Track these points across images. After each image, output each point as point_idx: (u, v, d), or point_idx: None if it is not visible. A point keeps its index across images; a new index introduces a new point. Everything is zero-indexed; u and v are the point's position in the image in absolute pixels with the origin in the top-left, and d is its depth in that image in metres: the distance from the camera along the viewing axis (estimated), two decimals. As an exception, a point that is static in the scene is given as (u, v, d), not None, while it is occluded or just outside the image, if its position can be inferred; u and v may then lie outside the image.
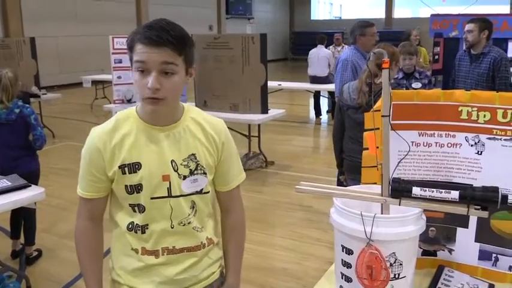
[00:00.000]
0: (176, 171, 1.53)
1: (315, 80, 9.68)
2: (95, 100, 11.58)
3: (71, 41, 15.88)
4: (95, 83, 11.48)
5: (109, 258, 1.68)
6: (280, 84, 9.99)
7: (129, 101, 6.89)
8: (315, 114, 10.45)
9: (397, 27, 22.90)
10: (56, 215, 4.91)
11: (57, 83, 14.79)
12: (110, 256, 1.68)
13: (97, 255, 1.65)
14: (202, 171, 1.57)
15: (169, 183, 1.52)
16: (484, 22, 4.41)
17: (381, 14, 25.82)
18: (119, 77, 6.87)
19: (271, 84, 8.90)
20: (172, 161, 1.53)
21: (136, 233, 1.56)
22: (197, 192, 1.57)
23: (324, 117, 10.41)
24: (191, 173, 1.55)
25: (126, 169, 1.50)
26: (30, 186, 3.12)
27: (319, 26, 26.28)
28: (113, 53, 6.80)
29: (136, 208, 1.54)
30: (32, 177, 3.46)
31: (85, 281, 1.64)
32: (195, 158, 1.55)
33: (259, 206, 5.15)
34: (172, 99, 1.47)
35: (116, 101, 6.96)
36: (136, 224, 1.55)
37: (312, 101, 10.86)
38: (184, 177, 1.54)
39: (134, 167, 1.50)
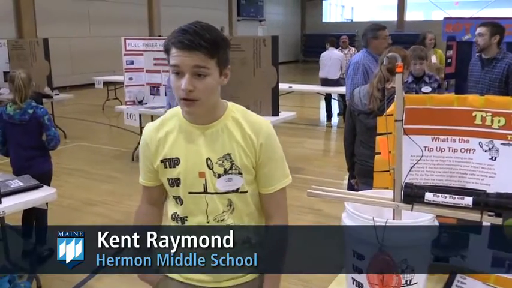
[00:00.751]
0: (211, 169, 1.58)
1: (325, 82, 9.66)
2: (106, 101, 11.63)
3: (83, 42, 16.00)
4: (106, 84, 11.54)
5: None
6: (291, 87, 9.98)
7: (141, 102, 6.92)
8: (327, 116, 10.45)
9: (409, 30, 22.78)
10: (67, 216, 4.94)
11: (70, 83, 14.88)
12: None
13: None
14: (238, 171, 1.59)
15: (205, 180, 1.59)
16: (495, 26, 4.35)
17: (392, 16, 25.68)
18: (131, 79, 6.90)
19: (282, 86, 8.88)
20: (208, 159, 1.58)
21: (177, 222, 1.66)
22: (233, 191, 1.61)
23: (335, 119, 10.39)
24: (226, 172, 1.59)
25: (167, 163, 1.62)
26: (42, 186, 3.14)
27: (331, 28, 26.22)
28: (125, 55, 6.84)
29: (178, 200, 1.64)
30: (44, 178, 3.49)
31: None
32: (230, 158, 1.58)
33: (269, 208, 5.13)
34: (206, 100, 1.52)
35: (128, 102, 6.99)
36: (178, 214, 1.66)
37: (322, 104, 10.84)
38: (219, 176, 1.59)
39: (174, 162, 1.61)
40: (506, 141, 1.53)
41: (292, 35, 27.66)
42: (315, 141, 8.87)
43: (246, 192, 1.62)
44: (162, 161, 1.62)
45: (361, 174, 3.20)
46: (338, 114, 10.53)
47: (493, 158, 1.56)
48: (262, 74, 6.18)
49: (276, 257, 1.70)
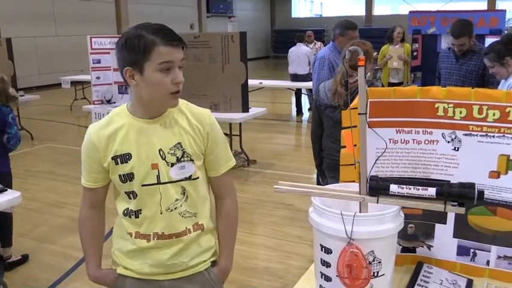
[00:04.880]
0: (164, 159, 1.64)
1: (295, 77, 9.71)
2: (74, 101, 11.43)
3: (49, 41, 15.67)
4: (74, 83, 11.34)
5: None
6: (261, 83, 9.99)
7: (109, 102, 6.81)
8: (296, 112, 10.50)
9: (377, 24, 23.04)
10: (35, 219, 4.83)
11: (36, 84, 14.59)
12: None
13: (97, 239, 1.82)
14: (189, 159, 1.67)
15: (158, 171, 1.64)
16: (469, 27, 4.28)
17: (361, 11, 25.95)
18: (98, 78, 6.79)
19: (253, 82, 8.88)
20: (160, 149, 1.64)
21: (130, 217, 1.69)
22: (186, 179, 1.68)
23: (306, 114, 10.44)
24: (178, 160, 1.66)
25: (119, 160, 1.65)
26: (6, 190, 3.05)
27: (300, 23, 26.34)
28: (91, 53, 6.72)
29: (131, 195, 1.67)
30: (3, 179, 3.40)
31: (86, 261, 1.82)
32: (181, 146, 1.66)
33: (241, 205, 5.07)
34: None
35: (95, 102, 6.88)
36: (131, 209, 1.69)
37: (293, 99, 10.89)
38: (172, 165, 1.65)
39: (125, 158, 1.64)
40: (468, 132, 1.55)
41: (262, 31, 27.69)
42: (286, 136, 8.91)
43: (198, 178, 1.71)
44: (113, 158, 1.65)
45: (330, 169, 3.22)
46: (308, 109, 10.60)
47: (456, 149, 1.58)
48: (231, 70, 6.16)
49: (229, 237, 1.86)
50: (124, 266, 1.75)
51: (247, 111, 6.33)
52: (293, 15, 29.28)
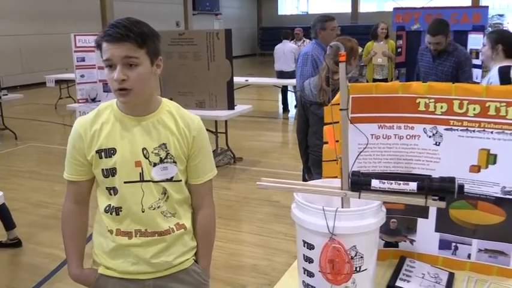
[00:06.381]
0: (147, 158, 1.64)
1: (281, 75, 9.72)
2: (59, 100, 11.32)
3: (33, 39, 15.49)
4: (58, 82, 11.22)
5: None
6: (247, 80, 9.98)
7: (93, 100, 6.75)
8: (283, 109, 10.52)
9: (363, 21, 23.13)
10: (19, 219, 4.75)
11: (20, 83, 14.42)
12: None
13: (78, 236, 1.78)
14: (172, 160, 1.66)
15: (142, 168, 1.64)
16: (445, 27, 4.33)
17: (347, 8, 26.03)
18: (82, 76, 6.72)
19: (239, 80, 8.87)
20: (143, 148, 1.64)
21: (111, 214, 1.67)
22: (168, 180, 1.67)
23: (292, 111, 10.46)
24: (161, 161, 1.65)
25: (103, 154, 1.64)
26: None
27: (287, 21, 26.34)
28: (75, 51, 6.66)
29: (112, 191, 1.66)
30: None
31: (67, 259, 1.78)
32: (166, 148, 1.65)
33: (227, 202, 5.13)
34: (140, 90, 1.58)
35: (80, 100, 6.81)
36: (113, 206, 1.67)
37: (280, 96, 10.90)
38: (155, 165, 1.64)
39: (109, 152, 1.63)
40: (449, 127, 1.56)
41: (248, 29, 27.66)
42: (272, 133, 8.91)
43: (180, 181, 1.70)
44: (97, 152, 1.64)
45: (315, 165, 3.23)
46: (295, 106, 10.62)
47: (437, 143, 1.59)
48: (217, 67, 6.13)
49: (206, 245, 1.83)
50: (105, 266, 1.72)
51: (233, 109, 6.31)
52: (279, 13, 29.29)
